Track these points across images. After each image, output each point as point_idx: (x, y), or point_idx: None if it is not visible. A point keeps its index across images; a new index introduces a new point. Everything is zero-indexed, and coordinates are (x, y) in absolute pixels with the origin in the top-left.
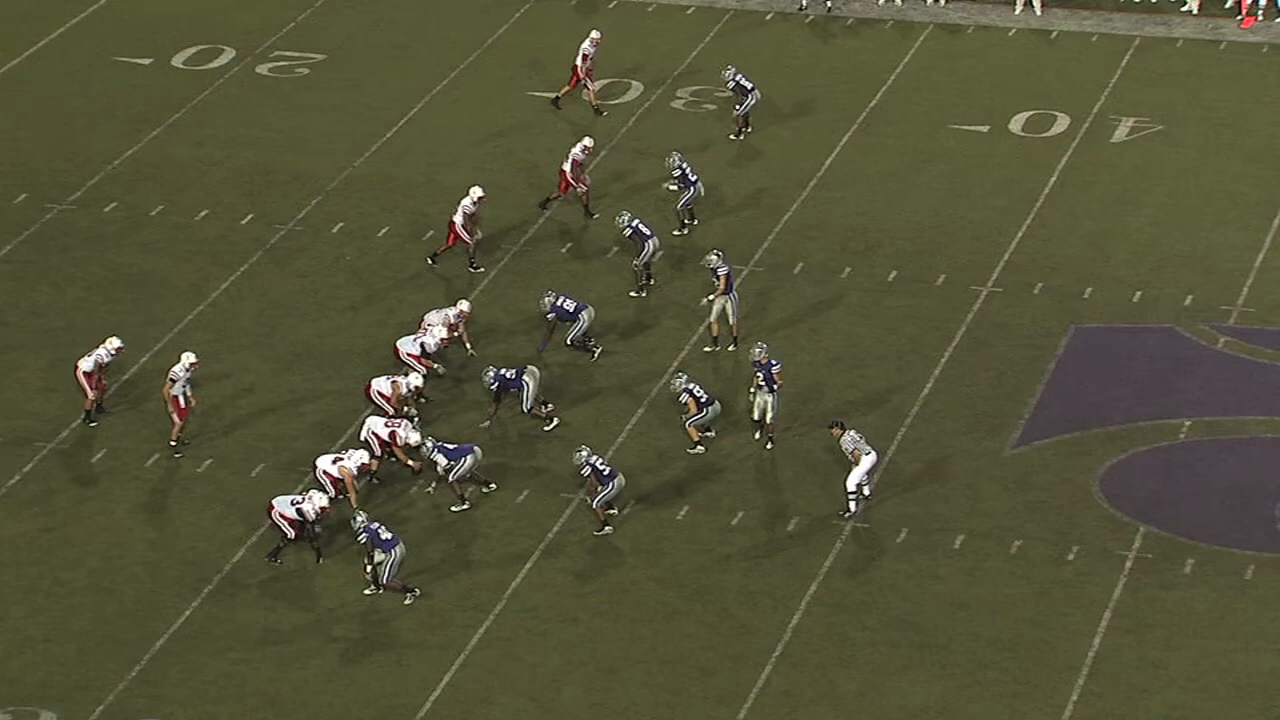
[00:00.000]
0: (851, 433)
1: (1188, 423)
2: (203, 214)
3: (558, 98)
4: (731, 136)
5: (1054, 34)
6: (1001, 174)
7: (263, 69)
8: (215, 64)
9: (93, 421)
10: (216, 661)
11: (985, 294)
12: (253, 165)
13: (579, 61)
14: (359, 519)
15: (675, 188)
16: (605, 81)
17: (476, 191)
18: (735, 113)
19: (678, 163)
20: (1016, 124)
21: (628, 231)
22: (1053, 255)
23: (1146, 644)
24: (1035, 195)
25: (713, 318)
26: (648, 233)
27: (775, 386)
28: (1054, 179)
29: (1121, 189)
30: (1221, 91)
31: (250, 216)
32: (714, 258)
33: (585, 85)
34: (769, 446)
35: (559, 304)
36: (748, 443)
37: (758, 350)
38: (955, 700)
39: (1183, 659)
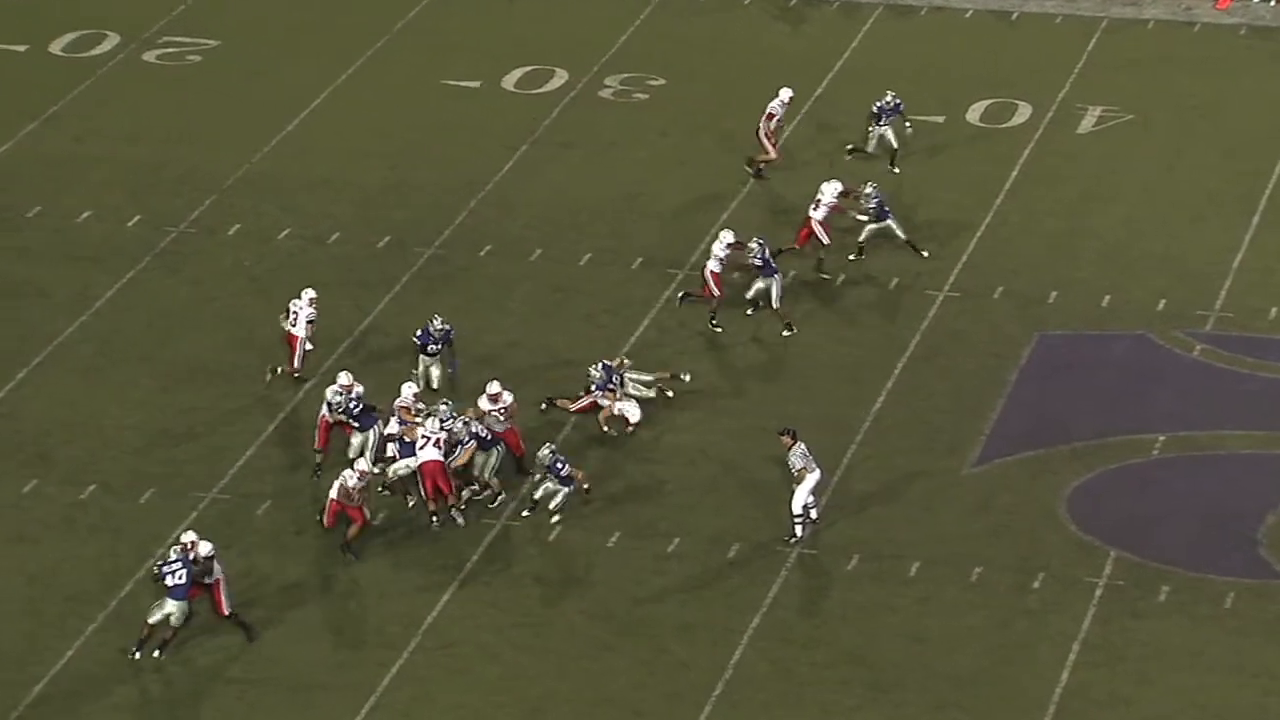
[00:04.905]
0: (802, 445)
1: (1161, 438)
2: (84, 215)
3: (759, 169)
4: (892, 169)
5: (1014, 15)
6: (958, 168)
7: (150, 56)
8: (97, 51)
9: None
10: (100, 708)
11: (941, 299)
12: (139, 162)
13: (763, 124)
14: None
15: (866, 218)
16: (526, 69)
17: (727, 236)
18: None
19: (872, 193)
20: (974, 114)
21: (756, 261)
22: (1014, 256)
23: (1118, 679)
24: (995, 191)
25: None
26: (774, 267)
27: (774, 268)
28: (1015, 173)
29: (1088, 184)
30: (1196, 78)
31: (137, 218)
32: (755, 245)
33: (761, 141)
34: (786, 334)
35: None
36: (684, 465)
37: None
38: None
39: (1157, 695)
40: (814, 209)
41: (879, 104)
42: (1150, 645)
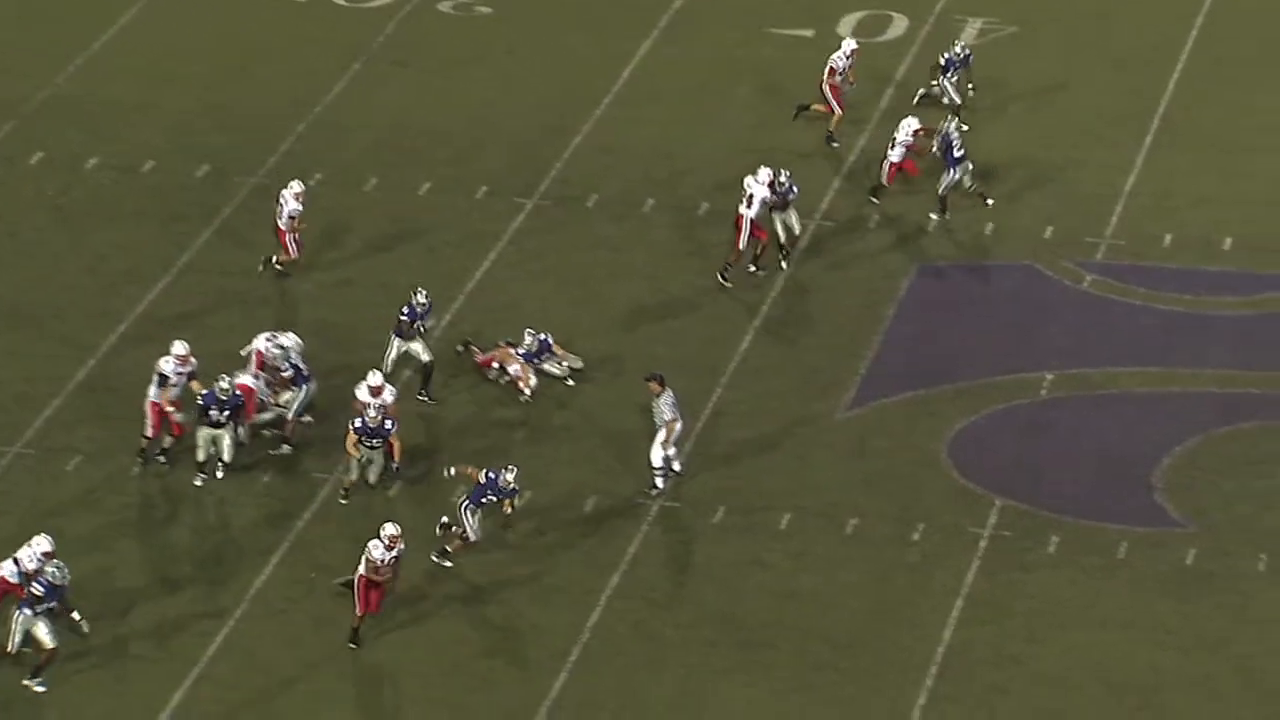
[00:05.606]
0: (670, 393)
1: (1050, 376)
2: None
3: (830, 135)
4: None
5: None
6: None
7: None
8: None
9: None
10: None
11: (813, 228)
12: None
13: (825, 77)
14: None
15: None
16: None
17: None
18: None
19: (953, 131)
20: (846, 26)
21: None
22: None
23: (1005, 636)
24: (870, 111)
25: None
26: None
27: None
28: (891, 91)
29: (969, 102)
30: None
31: None
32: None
33: (828, 99)
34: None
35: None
36: (537, 413)
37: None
38: (783, 707)
39: (1047, 653)
40: (891, 148)
41: (946, 55)
42: (1039, 599)
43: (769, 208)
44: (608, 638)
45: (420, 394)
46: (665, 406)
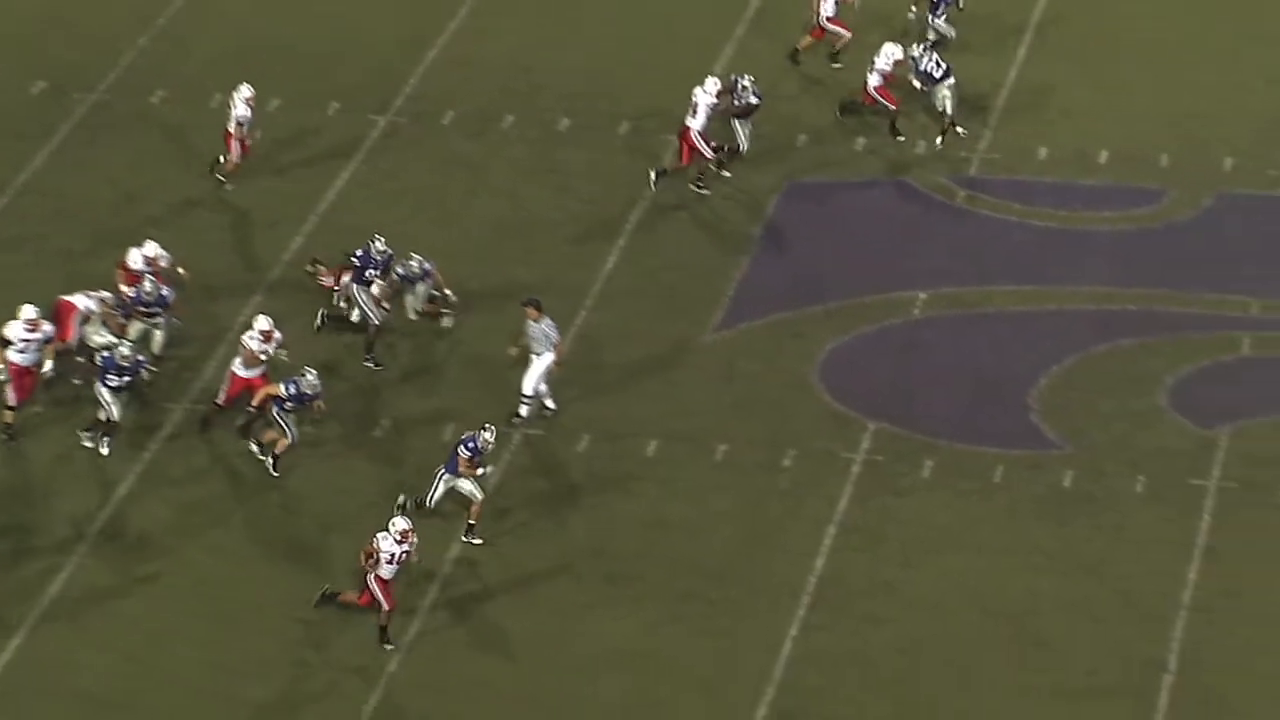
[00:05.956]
0: (548, 320)
1: (923, 296)
2: None
3: (835, 53)
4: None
5: None
6: None
7: None
8: None
9: None
10: None
11: (677, 144)
12: None
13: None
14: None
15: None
16: None
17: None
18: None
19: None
20: None
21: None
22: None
23: (879, 563)
24: (735, 17)
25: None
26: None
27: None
28: (757, 2)
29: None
30: None
31: None
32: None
33: (822, 24)
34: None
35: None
36: (392, 337)
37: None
38: (652, 640)
39: (922, 579)
40: (870, 73)
41: None
42: (913, 525)
43: (733, 116)
44: (468, 572)
45: (366, 358)
46: (544, 332)
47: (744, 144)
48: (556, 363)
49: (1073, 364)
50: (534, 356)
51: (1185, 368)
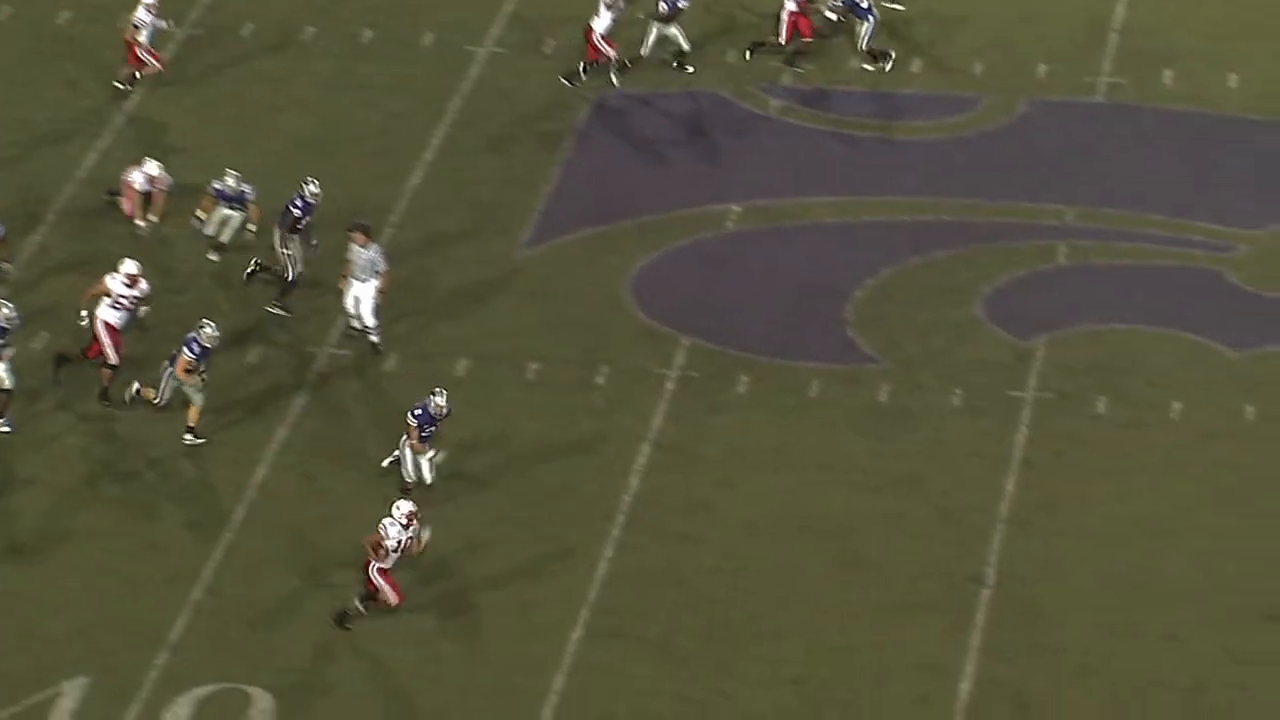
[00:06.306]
0: (377, 246)
1: (737, 208)
2: None
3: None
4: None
5: None
6: None
7: None
8: None
9: None
10: None
11: (484, 55)
12: None
13: None
14: None
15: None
16: None
17: None
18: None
19: None
20: None
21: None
22: (568, 3)
23: (695, 482)
24: None
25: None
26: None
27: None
28: None
29: None
30: None
31: None
32: None
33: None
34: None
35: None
36: (187, 257)
37: None
38: (461, 563)
39: (739, 498)
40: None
41: None
42: (729, 443)
43: (658, 20)
44: (272, 495)
45: (276, 305)
46: (371, 259)
47: (683, 44)
48: (381, 290)
49: (889, 276)
50: (356, 282)
51: (1001, 278)
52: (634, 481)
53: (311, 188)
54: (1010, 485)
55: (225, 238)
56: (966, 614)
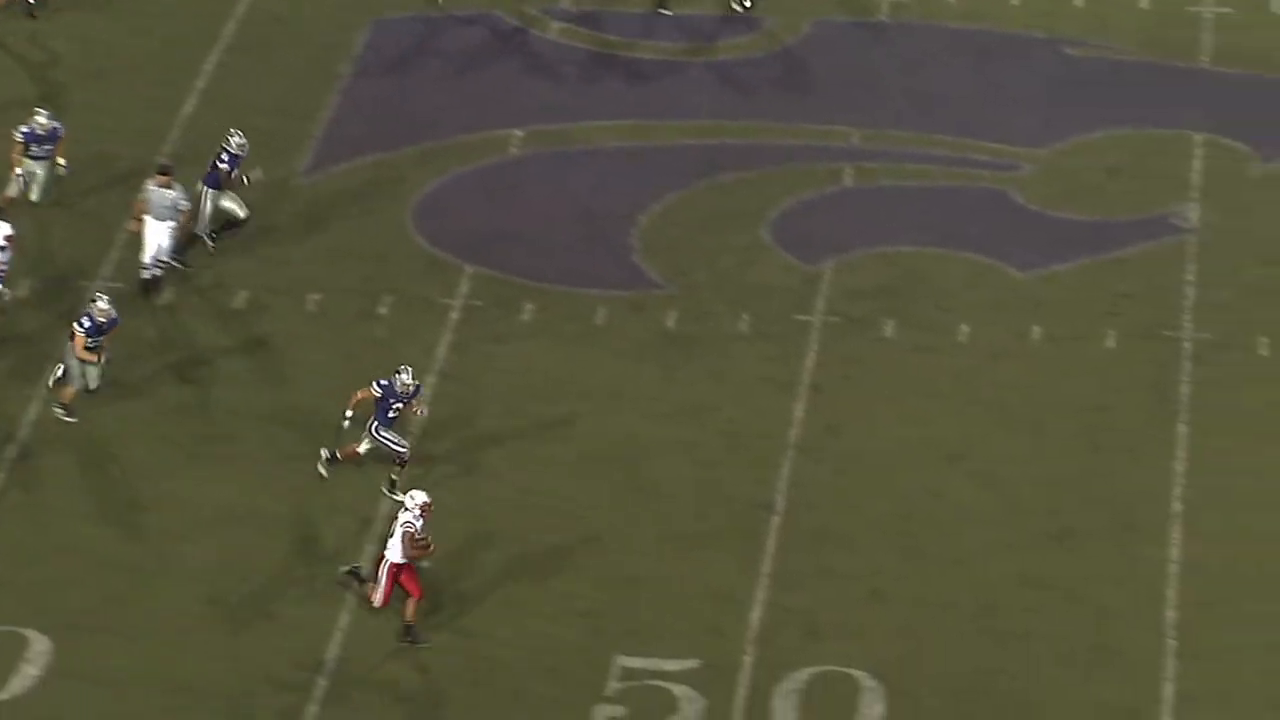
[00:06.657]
0: (180, 188)
1: (519, 133)
2: None
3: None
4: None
5: None
6: None
7: None
8: None
9: None
10: None
11: None
12: None
13: None
14: None
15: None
16: None
17: None
18: None
19: None
20: None
21: None
22: None
23: (479, 413)
24: None
25: None
26: None
27: None
28: None
29: None
30: None
31: None
32: None
33: None
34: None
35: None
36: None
37: None
38: (247, 500)
39: (524, 427)
40: None
41: None
42: (514, 372)
43: None
44: (48, 431)
45: (177, 259)
46: (175, 200)
47: None
48: (181, 227)
49: (674, 200)
50: (154, 222)
51: (788, 201)
52: (419, 413)
53: (236, 139)
54: (799, 411)
55: (35, 196)
56: (756, 541)
